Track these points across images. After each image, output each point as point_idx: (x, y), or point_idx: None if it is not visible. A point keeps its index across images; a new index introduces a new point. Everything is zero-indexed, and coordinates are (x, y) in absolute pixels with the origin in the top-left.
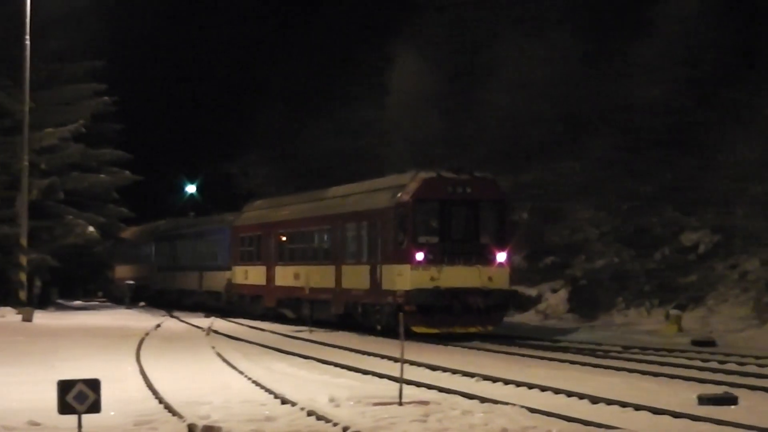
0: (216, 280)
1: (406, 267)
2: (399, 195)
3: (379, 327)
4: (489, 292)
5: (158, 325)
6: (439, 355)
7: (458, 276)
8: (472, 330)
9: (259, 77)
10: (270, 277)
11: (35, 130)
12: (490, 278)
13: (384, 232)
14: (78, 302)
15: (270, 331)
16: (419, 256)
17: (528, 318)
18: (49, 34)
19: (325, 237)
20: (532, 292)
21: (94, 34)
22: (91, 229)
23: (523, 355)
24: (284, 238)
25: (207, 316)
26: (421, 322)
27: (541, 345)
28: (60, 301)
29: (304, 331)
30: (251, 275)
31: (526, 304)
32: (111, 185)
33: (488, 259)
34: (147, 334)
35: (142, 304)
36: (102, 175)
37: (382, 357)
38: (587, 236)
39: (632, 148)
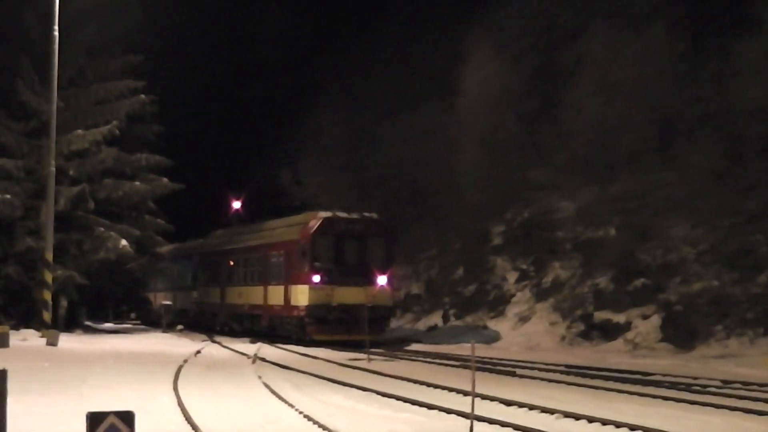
0: (186, 299)
1: (306, 287)
2: (303, 230)
3: (292, 336)
4: (373, 307)
5: (198, 351)
6: (514, 389)
7: (348, 294)
8: (358, 338)
9: (315, 77)
10: (223, 296)
11: (64, 133)
12: (374, 296)
13: (293, 260)
14: (108, 325)
15: (323, 359)
16: (316, 278)
17: (615, 347)
18: (81, 27)
19: (259, 263)
20: (620, 318)
21: (132, 27)
22: (123, 243)
23: (610, 390)
24: (232, 263)
25: (253, 342)
26: (318, 331)
27: (629, 378)
28: (88, 323)
29: (362, 360)
30: (211, 294)
31: (612, 331)
32: (147, 194)
33: (372, 281)
34: (186, 361)
35: (180, 327)
36: (137, 183)
37: (451, 390)
38: (683, 256)
39: (734, 157)
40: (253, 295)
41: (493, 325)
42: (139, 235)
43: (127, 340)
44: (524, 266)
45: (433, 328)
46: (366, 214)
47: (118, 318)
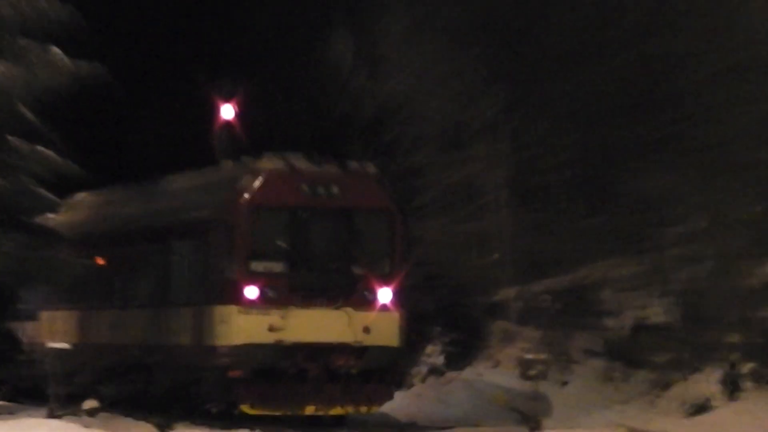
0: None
1: (233, 309)
2: (227, 196)
3: (209, 406)
4: (364, 351)
5: None
6: None
7: (316, 324)
8: (337, 411)
9: None
10: (82, 330)
11: None
12: (366, 328)
13: (210, 256)
14: None
15: None
16: (252, 292)
17: None
18: None
19: (148, 264)
20: None
21: None
22: None
23: None
24: (103, 265)
25: None
26: (254, 397)
27: None
28: None
29: None
30: (61, 327)
31: None
32: (21, 91)
33: (365, 299)
34: None
35: (88, 406)
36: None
37: None
38: None
39: None
40: (136, 328)
41: None
42: (9, 189)
43: None
44: None
45: (700, 410)
46: (353, 163)
47: None
